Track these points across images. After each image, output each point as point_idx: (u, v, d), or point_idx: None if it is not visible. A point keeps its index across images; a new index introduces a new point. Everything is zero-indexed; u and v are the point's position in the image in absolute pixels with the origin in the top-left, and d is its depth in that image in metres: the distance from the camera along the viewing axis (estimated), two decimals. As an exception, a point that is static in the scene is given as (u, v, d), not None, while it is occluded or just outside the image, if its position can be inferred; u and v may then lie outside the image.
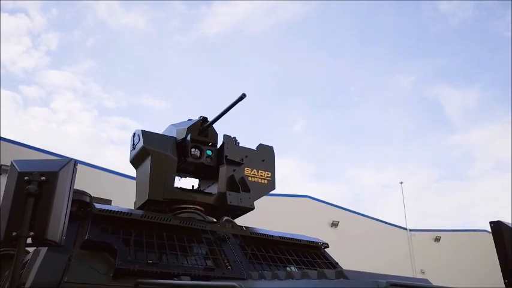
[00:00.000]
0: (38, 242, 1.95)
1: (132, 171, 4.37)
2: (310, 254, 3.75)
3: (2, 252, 6.31)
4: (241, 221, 4.05)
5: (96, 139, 34.45)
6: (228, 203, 3.89)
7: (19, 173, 2.01)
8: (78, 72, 35.08)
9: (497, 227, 2.86)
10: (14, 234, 1.88)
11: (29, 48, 33.88)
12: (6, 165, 12.26)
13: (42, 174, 1.99)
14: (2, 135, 13.25)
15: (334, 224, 19.91)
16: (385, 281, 1.79)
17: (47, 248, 2.58)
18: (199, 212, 3.80)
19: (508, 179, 36.64)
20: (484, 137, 40.07)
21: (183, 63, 39.43)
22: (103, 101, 36.73)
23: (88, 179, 11.76)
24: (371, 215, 22.02)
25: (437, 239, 23.56)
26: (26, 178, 1.97)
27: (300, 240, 3.81)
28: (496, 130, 39.28)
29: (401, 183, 23.98)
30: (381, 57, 38.63)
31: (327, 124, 39.80)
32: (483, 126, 40.13)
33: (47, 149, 14.14)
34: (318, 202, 20.23)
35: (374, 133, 38.63)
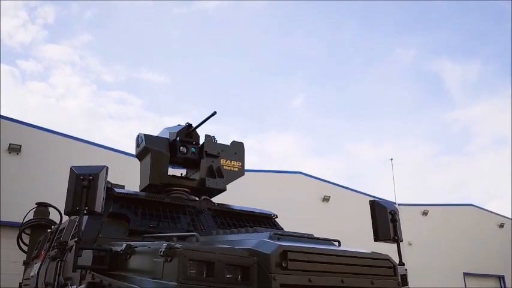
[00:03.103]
0: (89, 212, 3.54)
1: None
2: (263, 223, 5.33)
3: (33, 223, 7.99)
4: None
5: (94, 114, 34.21)
6: (207, 186, 5.47)
7: (76, 174, 3.60)
8: (76, 46, 34.17)
9: (373, 204, 4.42)
10: (76, 208, 3.48)
11: (26, 21, 32.74)
12: (14, 144, 12.43)
13: (90, 174, 3.58)
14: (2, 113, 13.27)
15: (326, 199, 21.31)
16: (273, 232, 3.33)
17: (87, 217, 4.18)
18: (185, 193, 5.38)
19: (507, 154, 37.05)
20: (484, 111, 39.50)
21: (182, 36, 38.47)
22: (101, 75, 35.89)
23: (87, 157, 12.18)
24: (365, 191, 23.00)
25: (425, 213, 24.82)
26: (81, 177, 3.56)
27: (255, 212, 5.41)
28: (496, 104, 38.77)
29: (391, 159, 25.40)
30: (381, 31, 38.19)
31: (327, 99, 39.88)
32: (483, 100, 39.64)
33: (49, 127, 14.12)
34: (310, 178, 21.49)
35: (374, 107, 38.58)
